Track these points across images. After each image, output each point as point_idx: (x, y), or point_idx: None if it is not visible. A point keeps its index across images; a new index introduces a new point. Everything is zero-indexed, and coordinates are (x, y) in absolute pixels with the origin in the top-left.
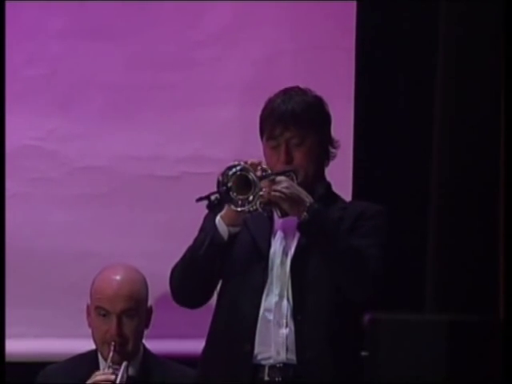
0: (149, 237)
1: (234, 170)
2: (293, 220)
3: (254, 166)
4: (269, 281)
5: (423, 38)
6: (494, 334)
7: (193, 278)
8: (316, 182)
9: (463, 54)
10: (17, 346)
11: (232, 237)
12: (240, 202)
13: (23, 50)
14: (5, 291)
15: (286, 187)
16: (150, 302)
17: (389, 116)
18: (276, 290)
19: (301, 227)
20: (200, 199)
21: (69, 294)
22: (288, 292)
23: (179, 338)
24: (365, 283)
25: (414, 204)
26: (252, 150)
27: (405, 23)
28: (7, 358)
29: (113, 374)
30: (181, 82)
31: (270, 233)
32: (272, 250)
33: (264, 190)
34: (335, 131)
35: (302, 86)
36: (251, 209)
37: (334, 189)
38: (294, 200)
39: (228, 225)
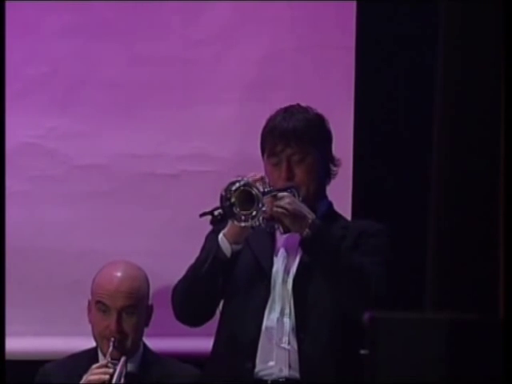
0: (149, 235)
1: (237, 185)
2: (295, 238)
3: (257, 180)
4: (271, 299)
5: (423, 36)
6: (493, 332)
7: (195, 295)
8: (317, 199)
9: (463, 54)
10: (17, 344)
11: (235, 254)
12: (243, 218)
13: (23, 48)
14: (5, 289)
15: (289, 203)
16: (150, 300)
17: (389, 115)
18: (278, 308)
19: (303, 244)
20: (203, 214)
21: (69, 292)
22: (290, 310)
23: (179, 336)
24: (367, 301)
25: (414, 204)
26: (252, 149)
27: (405, 22)
28: (7, 356)
29: (110, 367)
30: (181, 80)
31: (273, 251)
32: (274, 269)
33: (266, 206)
34: (335, 132)
35: (304, 80)
36: (254, 224)
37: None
38: (296, 216)
39: (231, 242)
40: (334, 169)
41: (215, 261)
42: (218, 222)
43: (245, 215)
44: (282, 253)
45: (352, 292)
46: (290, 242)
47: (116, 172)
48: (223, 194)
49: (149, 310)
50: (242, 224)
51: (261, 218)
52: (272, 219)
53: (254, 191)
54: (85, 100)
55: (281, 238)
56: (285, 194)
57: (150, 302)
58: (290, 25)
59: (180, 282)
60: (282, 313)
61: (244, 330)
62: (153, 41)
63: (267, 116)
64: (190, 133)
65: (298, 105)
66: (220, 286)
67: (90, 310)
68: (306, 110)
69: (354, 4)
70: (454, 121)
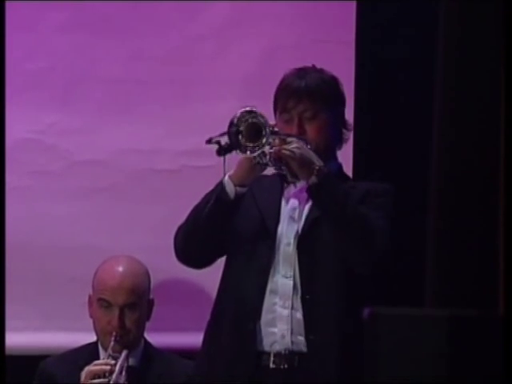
0: (149, 230)
1: (247, 116)
2: (301, 197)
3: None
4: (275, 261)
5: (424, 32)
6: (493, 328)
7: (197, 236)
8: (327, 159)
9: (464, 49)
10: (17, 340)
11: (239, 196)
12: (249, 149)
13: (23, 44)
14: (5, 285)
15: (297, 147)
16: (152, 295)
17: (389, 110)
18: (282, 270)
19: (309, 191)
20: (209, 141)
21: (69, 287)
22: (294, 272)
23: (180, 331)
24: (372, 251)
25: (414, 200)
26: None
27: (405, 17)
28: (7, 352)
29: (112, 359)
30: (181, 76)
31: (279, 210)
32: (279, 229)
33: (275, 147)
34: None
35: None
36: (261, 161)
37: None
38: (304, 161)
39: (236, 184)
40: (346, 133)
41: (218, 201)
42: (223, 151)
43: (250, 147)
44: (287, 213)
45: (357, 240)
46: (296, 201)
47: (116, 167)
48: (233, 120)
49: (150, 305)
50: (248, 154)
51: (268, 157)
52: (280, 160)
53: (263, 124)
54: (85, 96)
55: (288, 196)
56: (294, 139)
57: (150, 296)
58: (290, 20)
59: (183, 222)
60: (285, 275)
61: (247, 293)
62: (152, 37)
63: (268, 112)
64: (189, 128)
65: (313, 65)
66: (222, 228)
67: (91, 305)
68: (321, 70)
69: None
70: (454, 115)
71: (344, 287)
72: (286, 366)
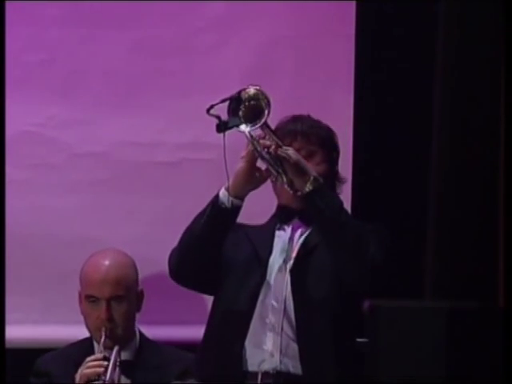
0: (149, 223)
1: (248, 96)
2: (294, 231)
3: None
4: (265, 285)
5: (423, 25)
6: (493, 320)
7: (192, 250)
8: None
9: (464, 42)
10: (16, 333)
11: (235, 209)
12: (249, 127)
13: (23, 36)
14: (5, 277)
15: (293, 153)
16: (146, 287)
17: (389, 102)
18: (273, 295)
19: (304, 200)
20: (210, 109)
21: (68, 280)
22: (286, 297)
23: (174, 324)
24: (364, 262)
25: (414, 192)
26: None
27: (405, 10)
28: (7, 345)
29: (104, 360)
30: (180, 69)
31: (272, 243)
32: (272, 258)
33: (272, 148)
34: (334, 119)
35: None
36: (261, 154)
37: None
38: (299, 167)
39: (232, 196)
40: (339, 185)
41: (213, 212)
42: (222, 127)
43: (247, 124)
44: (280, 244)
45: (350, 250)
46: (289, 236)
47: (115, 160)
48: (237, 95)
49: (139, 296)
50: (245, 128)
51: (266, 150)
52: (277, 158)
53: (265, 109)
54: (84, 88)
55: (281, 234)
56: (290, 148)
57: (139, 288)
58: (290, 12)
59: (177, 243)
60: (276, 300)
61: (236, 314)
62: (152, 29)
63: None
64: (189, 121)
65: (309, 115)
66: (218, 242)
67: (80, 301)
68: (317, 120)
69: None
70: (453, 111)
71: (336, 312)
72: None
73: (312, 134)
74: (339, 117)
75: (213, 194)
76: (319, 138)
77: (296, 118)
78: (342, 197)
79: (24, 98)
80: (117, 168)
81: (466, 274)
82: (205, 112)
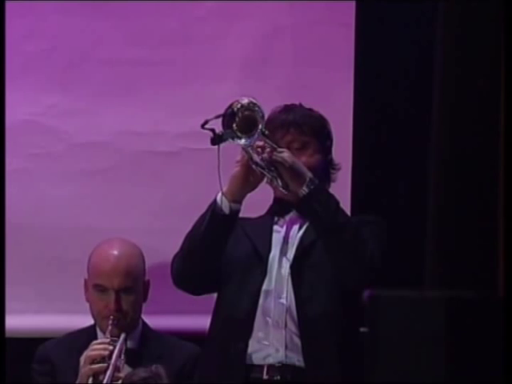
0: (149, 212)
1: (243, 106)
2: (293, 228)
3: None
4: (267, 282)
5: (424, 14)
6: (493, 310)
7: (194, 257)
8: None
9: (464, 32)
10: (17, 322)
11: (234, 214)
12: (243, 139)
13: (23, 26)
14: (5, 267)
15: (288, 156)
16: (147, 277)
17: (388, 93)
18: (274, 291)
19: (300, 202)
20: (205, 124)
21: (69, 269)
22: (287, 293)
23: (177, 313)
24: (363, 262)
25: (413, 180)
26: None
27: (405, 12)
28: (7, 334)
29: (110, 344)
30: (180, 58)
31: (270, 240)
32: (271, 254)
33: (267, 152)
34: (334, 110)
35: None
36: (255, 161)
37: None
38: (294, 170)
39: (229, 200)
40: (334, 173)
41: (213, 218)
42: (217, 140)
43: (245, 136)
44: (279, 240)
45: (348, 251)
46: (287, 231)
47: (116, 149)
48: (231, 109)
49: (146, 286)
50: (242, 142)
51: (260, 157)
52: (272, 163)
53: (259, 121)
54: (85, 77)
55: (279, 229)
56: (285, 149)
57: (146, 278)
58: (289, 2)
59: (179, 248)
60: (278, 296)
61: (239, 312)
62: (152, 18)
63: (266, 93)
64: (189, 110)
65: (300, 104)
66: (219, 246)
67: (86, 289)
68: (310, 109)
69: None
70: (453, 108)
71: (338, 307)
72: (278, 377)
73: (304, 125)
74: (339, 106)
75: (213, 183)
76: (312, 129)
77: (288, 108)
78: (339, 190)
79: (24, 88)
80: (116, 157)
81: (466, 264)
82: (204, 101)
